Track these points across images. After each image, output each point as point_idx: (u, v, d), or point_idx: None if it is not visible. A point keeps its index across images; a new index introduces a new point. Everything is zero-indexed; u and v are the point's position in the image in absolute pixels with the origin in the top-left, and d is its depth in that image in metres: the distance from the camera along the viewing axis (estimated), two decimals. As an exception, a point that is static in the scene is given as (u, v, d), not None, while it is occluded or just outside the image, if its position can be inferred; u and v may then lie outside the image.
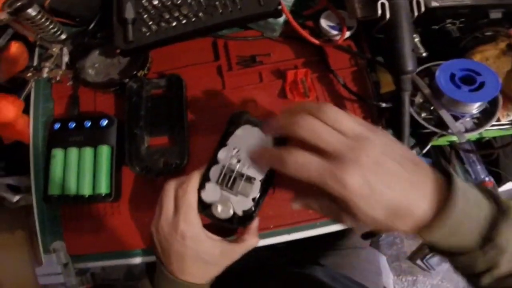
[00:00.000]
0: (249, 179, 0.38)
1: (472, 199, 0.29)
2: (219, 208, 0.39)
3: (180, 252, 0.40)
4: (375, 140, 0.30)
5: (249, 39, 0.54)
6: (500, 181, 0.48)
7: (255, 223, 0.42)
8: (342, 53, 0.52)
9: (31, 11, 0.46)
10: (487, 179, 0.48)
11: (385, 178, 0.28)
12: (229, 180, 0.39)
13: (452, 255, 0.31)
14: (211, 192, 0.40)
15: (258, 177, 0.38)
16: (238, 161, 0.39)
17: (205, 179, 0.40)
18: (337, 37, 0.50)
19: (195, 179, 0.40)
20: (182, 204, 0.39)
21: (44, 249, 0.51)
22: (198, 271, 0.41)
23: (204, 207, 0.40)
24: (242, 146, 0.39)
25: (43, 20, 0.49)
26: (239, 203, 0.39)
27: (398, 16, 0.39)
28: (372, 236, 0.54)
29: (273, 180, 0.39)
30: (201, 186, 0.40)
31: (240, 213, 0.39)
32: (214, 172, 0.40)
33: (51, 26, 0.50)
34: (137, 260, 0.50)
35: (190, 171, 0.41)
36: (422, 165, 0.30)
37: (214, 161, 0.40)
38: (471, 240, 0.29)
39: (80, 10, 0.52)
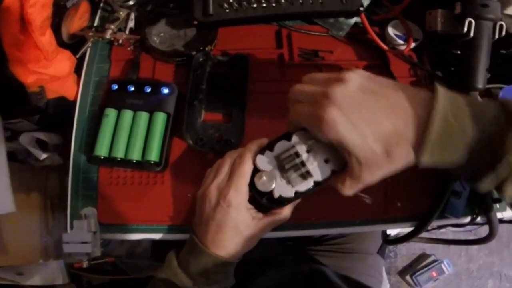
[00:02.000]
0: (306, 174, 0.37)
1: (461, 106, 0.29)
2: (264, 178, 0.38)
3: (221, 221, 0.40)
4: (347, 78, 0.31)
5: (315, 34, 0.55)
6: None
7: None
8: (403, 63, 0.54)
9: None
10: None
11: (364, 111, 0.30)
12: (289, 163, 0.37)
13: (462, 176, 0.31)
14: (266, 162, 0.39)
15: (316, 177, 0.37)
16: (308, 151, 0.37)
17: (268, 147, 0.39)
18: (402, 46, 0.52)
19: (254, 149, 0.40)
20: (236, 172, 0.39)
21: (72, 214, 0.49)
22: (231, 243, 0.41)
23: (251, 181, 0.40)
24: (319, 140, 0.36)
25: (119, -18, 0.48)
26: (282, 188, 0.38)
27: (481, 36, 0.42)
28: (399, 242, 0.56)
29: (324, 184, 0.38)
30: (261, 151, 0.39)
31: (276, 195, 0.38)
32: (281, 146, 0.38)
33: (124, -11, 0.50)
34: (169, 236, 0.49)
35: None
36: (404, 89, 0.31)
37: (287, 137, 0.38)
38: (461, 157, 0.28)
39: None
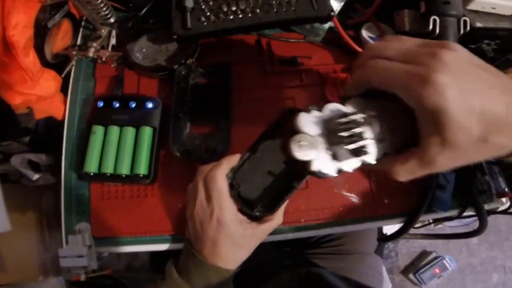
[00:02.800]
0: (361, 150, 0.29)
1: None
2: (303, 142, 0.28)
3: (215, 238, 0.40)
4: (455, 47, 0.27)
5: (292, 41, 0.57)
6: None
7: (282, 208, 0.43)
8: (380, 63, 0.56)
9: (92, -10, 0.48)
10: (506, 190, 0.51)
11: (477, 82, 0.25)
12: (343, 132, 0.28)
13: None
14: (310, 122, 0.29)
15: (370, 156, 0.29)
16: (365, 124, 0.29)
17: (315, 105, 0.30)
18: (378, 47, 0.54)
19: (224, 165, 0.41)
20: (212, 190, 0.40)
21: (67, 229, 0.50)
22: (230, 255, 0.42)
23: (232, 189, 0.41)
24: (383, 115, 0.30)
25: (99, 1, 0.50)
26: (323, 161, 0.29)
27: (447, 32, 0.43)
28: (392, 238, 0.56)
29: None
30: (305, 109, 0.29)
31: (314, 168, 0.29)
32: (332, 109, 0.29)
33: (104, 8, 0.52)
34: (163, 246, 0.50)
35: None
36: (503, 74, 0.28)
37: (343, 99, 0.30)
38: None
39: (137, -6, 0.54)
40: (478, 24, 0.46)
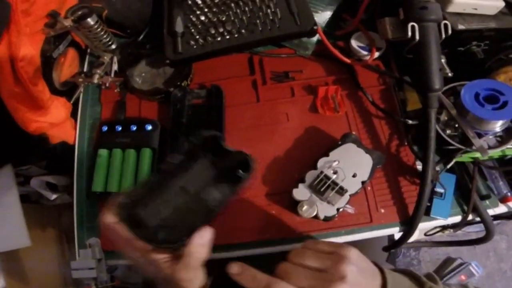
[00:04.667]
0: (341, 190, 0.45)
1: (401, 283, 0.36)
2: (305, 207, 0.45)
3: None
4: (351, 257, 0.33)
5: (283, 56, 0.58)
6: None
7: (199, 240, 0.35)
8: (371, 72, 0.56)
9: (90, 20, 0.52)
10: (509, 194, 0.49)
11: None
12: (323, 186, 0.45)
13: None
14: (302, 192, 0.46)
15: (350, 190, 0.45)
16: (335, 173, 0.46)
17: (299, 180, 0.46)
18: (367, 57, 0.54)
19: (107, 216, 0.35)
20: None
21: (79, 244, 0.54)
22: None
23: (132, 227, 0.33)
24: (342, 160, 0.47)
25: (99, 29, 0.54)
26: (324, 208, 0.45)
27: (427, 38, 0.43)
28: (393, 247, 0.56)
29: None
30: (295, 185, 0.46)
31: (322, 217, 0.45)
32: (310, 175, 0.46)
33: (105, 36, 0.56)
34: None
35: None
36: (374, 270, 0.36)
37: (312, 166, 0.47)
38: None
39: (133, 21, 0.58)
40: (461, 27, 0.45)
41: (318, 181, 0.45)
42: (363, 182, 0.47)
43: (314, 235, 0.51)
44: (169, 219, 0.35)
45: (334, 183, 0.45)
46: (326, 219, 0.46)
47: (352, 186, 0.46)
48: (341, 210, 0.47)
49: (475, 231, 1.07)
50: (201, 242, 0.35)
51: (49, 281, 0.66)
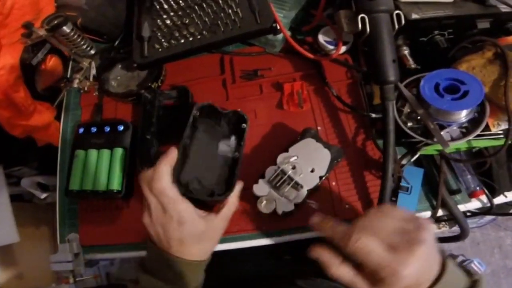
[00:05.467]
0: (296, 185, 0.45)
1: (455, 274, 0.35)
2: (264, 202, 0.46)
3: (179, 238, 0.41)
4: (430, 227, 0.34)
5: (253, 55, 0.59)
6: (494, 193, 0.48)
7: (235, 191, 0.45)
8: (339, 67, 0.56)
9: (66, 28, 0.55)
10: (478, 188, 0.48)
11: (425, 264, 0.32)
12: (279, 181, 0.45)
13: None
14: (261, 188, 0.46)
15: (306, 186, 0.45)
16: (293, 168, 0.46)
17: (260, 175, 0.47)
18: (333, 52, 0.54)
19: (165, 172, 0.41)
20: (165, 202, 0.40)
21: (61, 239, 0.57)
22: (197, 251, 0.43)
23: (183, 188, 0.42)
24: (301, 155, 0.47)
25: (75, 36, 0.57)
26: (283, 204, 0.45)
27: (378, 29, 0.42)
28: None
29: (317, 191, 0.47)
30: (255, 181, 0.46)
31: (280, 212, 0.45)
32: (269, 171, 0.47)
33: (82, 42, 0.59)
34: (142, 253, 0.54)
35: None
36: (436, 249, 0.35)
37: (273, 162, 0.47)
38: None
39: (108, 28, 0.60)
40: (415, 16, 0.44)
41: (275, 176, 0.46)
42: (321, 177, 0.47)
43: (278, 232, 0.51)
44: (203, 178, 0.47)
45: (290, 178, 0.45)
46: (285, 214, 0.46)
47: (310, 181, 0.46)
48: (301, 205, 0.47)
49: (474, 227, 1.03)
50: (236, 193, 0.44)
51: (41, 276, 0.70)
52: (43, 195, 0.68)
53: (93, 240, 0.56)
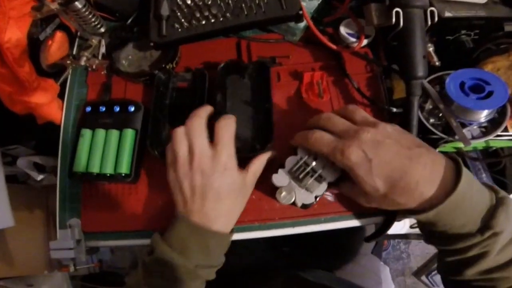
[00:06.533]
0: (319, 177, 0.44)
1: (476, 185, 0.33)
2: (284, 193, 0.44)
3: (220, 187, 0.41)
4: (380, 126, 0.38)
5: (271, 42, 0.57)
6: (506, 190, 0.49)
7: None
8: (359, 60, 0.55)
9: (78, 4, 0.52)
10: (493, 187, 0.49)
11: (383, 153, 0.35)
12: (302, 173, 0.44)
13: (449, 239, 0.32)
14: (281, 178, 0.45)
15: (329, 178, 0.44)
16: (315, 159, 0.44)
17: (280, 165, 0.46)
18: (355, 44, 0.53)
19: (203, 114, 0.45)
20: (223, 140, 0.42)
21: (60, 224, 0.54)
22: (229, 210, 0.43)
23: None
24: None
25: (87, 13, 0.54)
26: (302, 196, 0.44)
27: (412, 24, 0.42)
28: (374, 237, 0.55)
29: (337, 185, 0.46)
30: (275, 170, 0.45)
31: (299, 204, 0.44)
32: (290, 161, 0.45)
33: (93, 19, 0.56)
34: (147, 241, 0.52)
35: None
36: (428, 150, 0.36)
37: (293, 152, 0.46)
38: (471, 222, 0.31)
39: (122, 5, 0.58)
40: (448, 14, 0.44)
41: (297, 167, 0.45)
42: (342, 171, 0.46)
43: (293, 222, 0.51)
44: (241, 135, 0.48)
45: (313, 170, 0.44)
46: (304, 206, 0.45)
47: (332, 174, 0.45)
48: (319, 197, 0.46)
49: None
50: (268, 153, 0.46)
51: (34, 263, 0.66)
52: (40, 177, 0.64)
53: (96, 227, 0.53)
